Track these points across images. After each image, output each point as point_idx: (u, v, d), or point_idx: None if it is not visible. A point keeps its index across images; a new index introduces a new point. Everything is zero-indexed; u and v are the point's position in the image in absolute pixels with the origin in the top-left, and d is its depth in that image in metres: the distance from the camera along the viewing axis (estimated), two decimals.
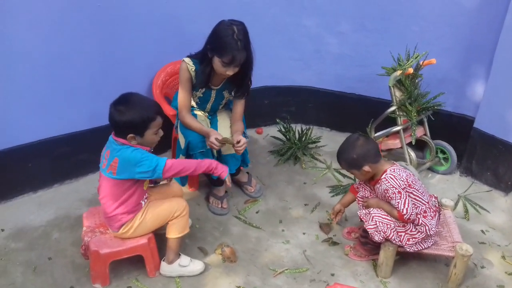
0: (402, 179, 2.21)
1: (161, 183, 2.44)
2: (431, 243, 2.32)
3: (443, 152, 3.25)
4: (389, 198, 2.22)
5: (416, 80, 3.09)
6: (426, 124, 3.19)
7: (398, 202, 2.19)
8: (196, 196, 2.96)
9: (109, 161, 2.09)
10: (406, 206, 2.18)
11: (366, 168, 2.22)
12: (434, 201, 2.40)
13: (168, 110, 2.90)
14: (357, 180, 3.09)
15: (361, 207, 2.43)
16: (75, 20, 2.65)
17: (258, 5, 3.29)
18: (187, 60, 2.55)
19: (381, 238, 2.26)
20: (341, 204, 2.56)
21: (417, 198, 2.25)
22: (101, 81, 2.86)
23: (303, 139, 3.44)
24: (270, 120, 3.75)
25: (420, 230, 2.26)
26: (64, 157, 2.93)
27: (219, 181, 2.83)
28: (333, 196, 3.01)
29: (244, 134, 2.73)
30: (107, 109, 2.07)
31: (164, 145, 3.26)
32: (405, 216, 2.19)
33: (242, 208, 2.88)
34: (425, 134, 3.20)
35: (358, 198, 2.45)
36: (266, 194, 3.02)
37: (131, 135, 2.04)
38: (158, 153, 3.30)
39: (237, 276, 2.38)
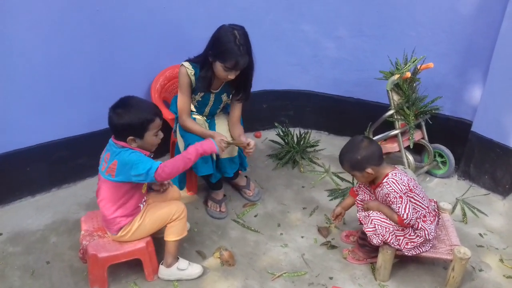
0: (403, 184, 2.21)
1: (159, 189, 2.43)
2: (429, 247, 2.33)
3: (441, 155, 3.26)
4: (390, 202, 2.22)
5: (414, 84, 3.10)
6: (424, 128, 3.20)
7: (398, 207, 2.19)
8: (195, 200, 2.96)
9: (109, 163, 2.09)
10: (407, 211, 2.18)
11: (369, 170, 2.21)
12: (434, 205, 2.40)
13: (166, 114, 2.90)
14: (355, 183, 3.11)
15: (360, 210, 2.43)
16: (74, 24, 2.66)
17: (256, 11, 3.30)
18: (186, 64, 2.56)
19: (379, 241, 2.26)
20: (341, 207, 2.56)
21: (418, 203, 2.25)
22: (100, 85, 2.87)
23: (302, 143, 3.45)
24: (268, 124, 3.75)
25: (419, 234, 2.26)
26: (62, 161, 2.93)
27: (218, 185, 2.83)
28: (331, 199, 3.01)
29: None
30: (106, 113, 2.07)
31: (163, 149, 3.26)
32: (405, 221, 2.19)
33: (241, 211, 2.88)
34: (423, 138, 3.21)
35: (358, 201, 2.45)
36: (265, 197, 3.02)
37: (131, 137, 2.05)
38: (157, 157, 3.30)
39: (235, 279, 2.37)
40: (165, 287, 2.31)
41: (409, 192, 2.22)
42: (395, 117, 3.07)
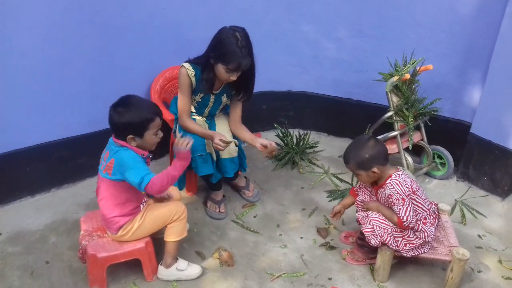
0: (407, 186, 2.21)
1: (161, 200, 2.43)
2: (428, 248, 2.33)
3: (440, 157, 3.27)
4: (392, 203, 2.22)
5: (413, 86, 3.10)
6: (423, 129, 3.20)
7: (400, 209, 2.19)
8: (194, 200, 2.97)
9: (106, 161, 2.11)
10: (407, 214, 2.18)
11: (375, 169, 2.20)
12: (434, 208, 2.41)
13: (166, 115, 2.91)
14: (356, 182, 3.11)
15: (360, 210, 2.43)
16: (74, 25, 2.67)
17: (256, 12, 3.31)
18: (187, 65, 2.56)
19: (378, 242, 2.26)
20: (341, 205, 2.56)
21: (419, 205, 2.25)
22: (100, 85, 2.87)
23: (301, 144, 3.45)
24: (268, 125, 3.76)
25: (419, 236, 2.26)
26: (62, 161, 2.94)
27: (217, 186, 2.83)
28: (330, 200, 3.01)
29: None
30: (106, 114, 2.08)
31: (163, 150, 3.27)
32: (404, 223, 2.19)
33: (240, 212, 2.89)
34: (422, 139, 3.21)
35: (358, 201, 2.45)
36: (264, 198, 3.03)
37: (130, 136, 2.06)
38: (157, 157, 3.32)
39: (234, 280, 2.38)
40: (164, 287, 2.32)
41: (412, 194, 2.22)
42: (394, 118, 3.07)
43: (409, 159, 3.10)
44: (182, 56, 2.65)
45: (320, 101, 3.68)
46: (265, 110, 3.72)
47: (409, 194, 2.20)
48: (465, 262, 2.24)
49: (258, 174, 3.26)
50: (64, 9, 2.60)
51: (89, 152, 2.57)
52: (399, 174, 2.24)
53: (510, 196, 3.06)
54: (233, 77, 2.48)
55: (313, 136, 3.66)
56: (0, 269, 2.37)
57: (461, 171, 3.23)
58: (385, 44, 3.27)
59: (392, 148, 3.13)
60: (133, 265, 2.31)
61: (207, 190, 2.94)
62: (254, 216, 2.86)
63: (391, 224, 2.26)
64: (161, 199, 2.42)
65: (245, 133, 2.75)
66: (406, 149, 3.12)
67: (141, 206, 2.25)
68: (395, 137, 3.08)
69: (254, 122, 3.65)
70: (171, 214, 2.23)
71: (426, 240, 2.27)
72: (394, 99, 3.07)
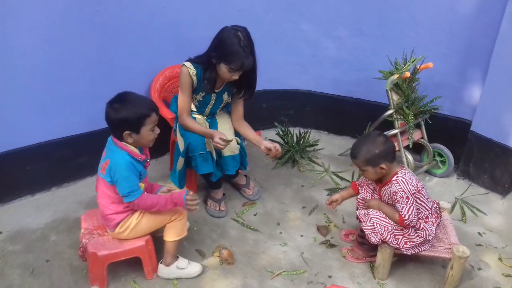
0: (412, 184, 2.21)
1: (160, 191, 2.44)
2: (429, 246, 2.33)
3: (440, 155, 3.27)
4: (396, 201, 2.22)
5: (413, 84, 3.10)
6: (423, 127, 3.20)
7: (403, 207, 2.19)
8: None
9: (103, 161, 2.13)
10: (409, 213, 2.18)
11: (383, 166, 2.20)
12: (436, 207, 2.41)
13: (166, 113, 2.91)
14: (359, 177, 3.12)
15: (361, 208, 2.43)
16: (74, 24, 2.67)
17: (256, 11, 3.31)
18: (188, 64, 2.56)
19: (378, 240, 2.26)
20: (340, 195, 2.54)
21: (422, 204, 2.26)
22: (100, 84, 2.88)
23: (301, 142, 3.46)
24: (268, 123, 3.76)
25: (419, 234, 2.26)
26: (63, 160, 2.94)
27: (217, 184, 2.84)
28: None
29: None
30: None
31: (163, 149, 3.27)
32: (405, 222, 2.20)
33: (240, 210, 2.89)
34: (422, 137, 3.21)
35: (359, 199, 2.46)
36: (264, 196, 3.03)
37: (127, 132, 2.06)
38: (157, 156, 3.33)
39: (234, 278, 2.38)
40: (165, 285, 2.32)
41: (417, 193, 2.23)
42: (395, 116, 3.07)
43: (410, 157, 3.10)
44: (182, 55, 2.65)
45: (320, 100, 3.68)
46: (265, 109, 3.72)
47: (414, 193, 2.21)
48: (465, 260, 2.24)
49: (258, 172, 3.27)
50: (64, 8, 2.60)
51: (89, 151, 2.57)
52: (405, 172, 2.24)
53: (510, 194, 3.07)
54: (235, 76, 2.49)
55: (313, 135, 3.67)
56: (0, 267, 2.38)
57: (461, 169, 3.23)
58: (385, 44, 3.27)
59: None
60: (133, 263, 2.31)
61: (207, 188, 2.94)
62: (254, 214, 2.87)
63: (392, 222, 2.26)
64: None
65: (249, 132, 2.76)
66: (407, 147, 3.12)
67: None
68: (395, 135, 3.07)
69: (255, 121, 3.62)
70: (170, 214, 2.23)
71: (427, 238, 2.27)
72: (395, 97, 3.07)
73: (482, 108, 3.02)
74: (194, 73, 2.56)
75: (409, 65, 2.99)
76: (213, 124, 2.80)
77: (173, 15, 3.03)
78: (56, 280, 2.32)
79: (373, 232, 2.27)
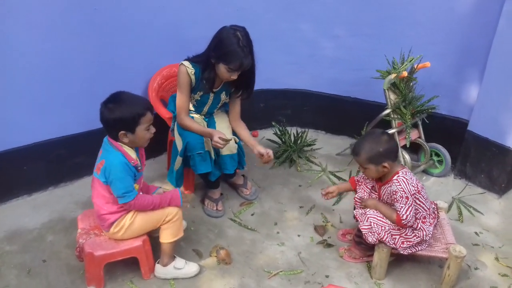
0: (413, 185, 2.21)
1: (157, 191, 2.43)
2: (425, 246, 2.33)
3: (437, 154, 3.27)
4: (395, 200, 2.22)
5: (411, 84, 3.11)
6: (420, 127, 3.21)
7: (401, 207, 2.19)
8: (192, 198, 2.97)
9: (98, 161, 2.13)
10: (408, 213, 2.19)
11: (386, 164, 2.20)
12: (434, 208, 2.41)
13: (164, 113, 2.91)
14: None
15: (358, 207, 2.43)
16: (72, 23, 2.66)
17: (254, 11, 3.30)
18: (186, 63, 2.56)
19: (375, 240, 2.27)
20: (337, 187, 2.55)
21: (421, 205, 2.26)
22: (98, 84, 2.87)
23: (299, 142, 3.46)
24: (265, 123, 3.76)
25: (417, 234, 2.27)
26: (60, 160, 2.93)
27: (215, 184, 2.84)
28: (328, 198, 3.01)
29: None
30: None
31: (160, 148, 3.27)
32: (403, 221, 2.20)
33: (237, 210, 2.89)
34: (419, 137, 3.22)
35: (356, 198, 2.46)
36: (262, 196, 3.03)
37: (122, 132, 2.06)
38: (155, 156, 3.33)
39: (232, 278, 2.38)
40: (162, 285, 2.32)
41: (417, 194, 2.23)
42: (392, 116, 3.08)
43: (407, 156, 3.10)
44: (180, 54, 2.65)
45: (318, 99, 3.68)
46: (263, 108, 3.72)
47: (414, 193, 2.21)
48: (462, 259, 2.24)
49: (255, 172, 3.27)
50: (62, 8, 2.60)
51: (87, 151, 2.57)
52: (406, 172, 2.24)
53: (507, 194, 3.08)
54: (234, 76, 2.49)
55: (311, 134, 3.67)
56: None
57: (458, 168, 3.24)
58: (383, 43, 3.27)
59: None
60: (130, 263, 2.30)
61: (204, 188, 2.94)
62: (252, 214, 2.86)
63: (389, 222, 2.27)
64: None
65: (245, 133, 2.76)
66: (404, 147, 3.12)
67: None
68: (392, 134, 3.08)
69: (252, 120, 3.64)
70: (164, 215, 2.22)
71: (424, 239, 2.28)
72: (392, 96, 3.07)
73: (479, 107, 3.03)
74: (193, 72, 2.56)
75: (406, 65, 2.99)
76: (211, 123, 2.80)
77: (171, 15, 3.03)
78: (53, 280, 2.31)
79: (370, 232, 2.27)
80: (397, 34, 3.22)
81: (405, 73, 2.93)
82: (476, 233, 2.74)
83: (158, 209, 2.21)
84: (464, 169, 3.20)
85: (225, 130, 2.72)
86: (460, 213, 2.89)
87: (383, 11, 3.21)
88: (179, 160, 2.65)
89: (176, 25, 3.08)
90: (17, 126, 2.71)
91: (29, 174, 2.85)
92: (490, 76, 2.91)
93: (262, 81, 3.27)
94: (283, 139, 3.48)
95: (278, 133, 3.51)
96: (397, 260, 2.45)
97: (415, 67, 3.04)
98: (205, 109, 2.77)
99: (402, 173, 2.23)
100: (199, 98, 2.70)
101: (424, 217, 2.28)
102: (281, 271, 2.43)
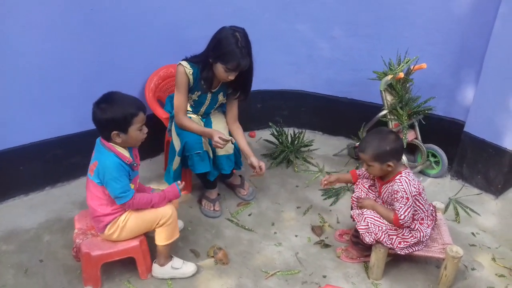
0: (415, 186, 2.21)
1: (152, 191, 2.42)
2: (422, 246, 2.34)
3: (434, 155, 3.28)
4: (395, 199, 2.22)
5: (407, 85, 3.12)
6: (417, 128, 3.21)
7: (400, 207, 2.20)
8: (189, 198, 2.96)
9: (91, 162, 2.12)
10: (406, 213, 2.19)
11: (390, 163, 2.20)
12: (432, 210, 2.41)
13: (161, 113, 2.91)
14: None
15: (355, 207, 2.44)
16: (71, 23, 2.66)
17: (252, 11, 3.31)
18: (184, 63, 2.56)
19: (372, 240, 2.27)
20: (336, 177, 2.54)
21: (420, 206, 2.27)
22: (94, 84, 2.86)
23: (296, 142, 3.46)
24: (263, 123, 3.76)
25: (414, 235, 2.27)
26: (56, 160, 2.93)
27: (212, 184, 2.83)
28: (325, 199, 3.02)
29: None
30: None
31: (157, 148, 3.26)
32: (400, 221, 2.20)
33: (235, 210, 2.89)
34: (416, 138, 3.22)
35: (353, 198, 2.46)
36: (259, 197, 3.03)
37: (115, 132, 2.05)
38: (151, 156, 3.32)
39: (229, 278, 2.38)
40: (159, 285, 2.31)
41: (417, 195, 2.23)
42: (389, 117, 3.09)
43: (403, 157, 3.10)
44: (177, 54, 2.65)
45: (315, 100, 3.69)
46: (260, 109, 3.72)
47: (415, 195, 2.21)
48: (459, 260, 2.25)
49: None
50: (61, 8, 2.60)
51: (84, 151, 2.56)
52: (408, 173, 2.25)
53: (504, 194, 3.09)
54: (231, 77, 2.49)
55: (308, 135, 3.67)
56: None
57: (455, 169, 3.25)
58: (380, 44, 3.28)
59: None
60: (127, 263, 2.30)
61: (202, 188, 2.94)
62: (249, 215, 2.87)
63: (386, 222, 2.27)
64: None
65: (241, 139, 2.77)
66: None
67: None
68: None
69: (249, 121, 3.65)
70: (157, 218, 2.20)
71: (421, 240, 2.28)
72: (388, 97, 3.08)
73: (476, 108, 3.04)
74: (191, 72, 2.56)
75: (403, 66, 3.00)
76: (207, 124, 2.80)
77: (170, 15, 3.03)
78: (50, 280, 2.31)
79: (368, 232, 2.27)
80: (395, 35, 3.23)
81: (401, 74, 2.94)
82: (473, 233, 2.75)
83: (157, 206, 2.20)
84: (461, 170, 3.21)
85: (222, 130, 2.72)
86: (457, 214, 2.90)
87: (381, 12, 3.22)
88: (177, 160, 2.65)
89: (176, 25, 3.08)
90: (14, 126, 2.71)
91: (26, 174, 2.84)
92: (486, 77, 2.92)
93: (260, 81, 3.28)
94: (280, 140, 3.48)
95: (275, 133, 3.52)
96: (394, 260, 2.46)
97: (412, 68, 3.05)
98: (202, 109, 2.78)
99: (405, 173, 2.23)
100: (196, 98, 2.70)
101: (422, 219, 2.29)
102: (278, 271, 2.43)
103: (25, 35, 2.54)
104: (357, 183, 2.49)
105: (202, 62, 2.54)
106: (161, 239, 2.25)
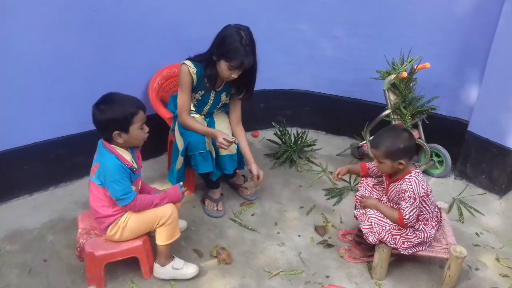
0: (423, 187, 2.20)
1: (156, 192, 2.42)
2: (426, 246, 2.33)
3: (437, 155, 3.27)
4: (402, 198, 2.21)
5: (411, 84, 3.11)
6: (420, 127, 3.21)
7: (407, 207, 2.19)
8: (192, 198, 2.97)
9: (93, 163, 2.13)
10: (411, 214, 2.19)
11: (402, 161, 2.18)
12: (437, 211, 2.40)
13: (164, 113, 2.91)
14: (352, 181, 3.12)
15: (358, 206, 2.43)
16: (72, 23, 2.67)
17: (253, 11, 3.31)
18: (188, 62, 2.56)
19: (375, 240, 2.27)
20: (347, 168, 2.52)
21: (426, 207, 2.26)
22: (97, 84, 2.86)
23: (299, 142, 3.46)
24: (266, 123, 3.77)
25: (418, 235, 2.27)
26: (60, 160, 2.93)
27: (215, 184, 2.84)
28: (328, 199, 3.02)
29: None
30: None
31: (160, 148, 3.27)
32: (404, 221, 2.20)
33: (238, 210, 2.89)
34: (419, 138, 3.21)
35: (357, 196, 2.46)
36: (262, 196, 3.03)
37: (116, 132, 2.05)
38: (154, 156, 3.33)
39: (232, 278, 2.38)
40: (162, 285, 2.31)
41: (425, 197, 2.22)
42: (392, 116, 3.08)
43: None
44: (180, 54, 2.65)
45: (317, 100, 3.69)
46: (263, 109, 3.72)
47: (422, 196, 2.20)
48: (463, 260, 2.24)
49: None
50: (62, 8, 2.60)
51: (86, 151, 2.56)
52: (418, 173, 2.24)
53: (508, 194, 3.08)
54: (235, 75, 2.49)
55: (311, 135, 3.67)
56: None
57: (458, 169, 3.24)
58: (382, 43, 3.28)
59: None
60: (130, 263, 2.30)
61: (205, 188, 2.94)
62: (252, 214, 2.86)
63: (389, 222, 2.27)
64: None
65: (243, 143, 2.78)
66: None
67: None
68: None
69: (253, 121, 3.66)
70: (157, 218, 2.19)
71: (424, 240, 2.28)
72: (392, 97, 3.07)
73: (479, 108, 3.03)
74: (194, 72, 2.56)
75: (406, 65, 3.00)
76: (211, 123, 2.80)
77: (171, 15, 3.03)
78: (54, 280, 2.31)
79: (371, 232, 2.27)
80: (397, 34, 3.22)
81: (404, 74, 2.93)
82: (476, 233, 2.74)
83: (159, 207, 2.20)
84: (465, 169, 3.20)
85: (224, 130, 2.72)
86: (461, 214, 2.89)
87: (383, 11, 3.22)
88: (180, 159, 2.65)
89: (176, 25, 3.08)
90: (17, 126, 2.71)
91: (29, 174, 2.84)
92: (490, 77, 2.92)
93: (263, 81, 3.28)
94: (283, 140, 3.48)
95: (279, 133, 3.52)
96: (398, 260, 2.45)
97: (415, 68, 3.04)
98: (206, 109, 2.78)
99: (415, 173, 2.22)
100: (200, 98, 2.70)
101: (427, 220, 2.28)
102: (281, 271, 2.43)
103: (28, 35, 2.54)
104: (361, 181, 2.48)
105: (206, 60, 2.54)
106: (162, 238, 2.24)
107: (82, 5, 2.66)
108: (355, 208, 2.48)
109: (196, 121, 2.65)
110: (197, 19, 3.12)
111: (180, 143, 2.67)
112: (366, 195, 2.42)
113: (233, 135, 2.78)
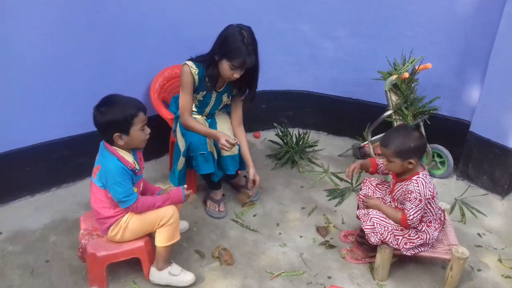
0: (430, 189, 2.20)
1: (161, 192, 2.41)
2: (428, 247, 2.33)
3: (439, 156, 3.27)
4: (407, 199, 2.21)
5: (412, 85, 3.10)
6: (422, 128, 3.19)
7: (411, 208, 2.18)
8: (194, 199, 2.97)
9: (95, 165, 2.13)
10: (415, 215, 2.18)
11: (412, 161, 2.17)
12: (441, 214, 2.40)
13: (165, 114, 2.91)
14: (354, 181, 3.12)
15: (361, 205, 2.43)
16: (73, 24, 2.67)
17: (255, 12, 3.31)
18: (190, 63, 2.57)
19: (377, 240, 2.26)
20: (359, 163, 2.49)
21: (431, 209, 2.26)
22: (99, 85, 2.87)
23: (300, 143, 3.46)
24: (267, 124, 3.77)
25: (420, 236, 2.26)
26: (62, 161, 2.94)
27: (217, 185, 2.84)
28: (330, 199, 3.02)
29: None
30: None
31: (162, 149, 3.27)
32: (408, 221, 2.20)
33: (240, 211, 2.89)
34: None
35: (360, 195, 2.46)
36: (263, 197, 3.03)
37: (117, 134, 2.05)
38: (156, 157, 3.33)
39: (234, 279, 2.38)
40: (164, 286, 2.31)
41: (431, 199, 2.22)
42: (394, 117, 3.08)
43: None
44: (181, 55, 2.65)
45: (319, 100, 3.68)
46: (264, 110, 3.72)
47: (428, 198, 2.20)
48: (465, 261, 2.24)
49: (258, 173, 3.23)
50: (63, 9, 2.60)
51: (89, 152, 2.57)
52: (426, 175, 2.23)
53: (510, 195, 3.07)
54: (237, 75, 2.49)
55: (313, 135, 3.67)
56: (0, 268, 2.38)
57: (460, 169, 3.24)
58: (383, 44, 3.28)
59: None
60: (132, 264, 2.30)
61: (206, 189, 2.94)
62: (254, 215, 2.87)
63: (392, 222, 2.26)
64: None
65: (243, 147, 2.77)
66: None
67: None
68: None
69: (254, 122, 3.66)
70: (158, 219, 2.18)
71: (427, 242, 2.28)
72: (393, 98, 3.07)
73: (481, 108, 3.02)
74: (196, 72, 2.57)
75: (407, 66, 2.99)
76: (212, 124, 2.80)
77: (172, 16, 3.03)
78: (56, 280, 2.32)
79: (373, 232, 2.27)
80: (398, 34, 3.22)
81: (406, 74, 2.93)
82: (479, 234, 2.74)
83: (161, 208, 2.20)
84: (467, 170, 3.20)
85: (226, 131, 2.72)
86: (463, 215, 2.88)
87: (384, 12, 3.22)
88: (182, 160, 2.66)
89: (177, 26, 3.08)
90: (19, 127, 2.72)
91: (32, 175, 2.85)
92: (491, 77, 2.91)
93: (264, 82, 3.28)
94: (285, 140, 3.48)
95: (280, 134, 3.52)
96: (400, 261, 2.45)
97: (417, 68, 3.04)
98: (207, 110, 2.78)
99: (423, 175, 2.22)
100: (201, 99, 2.71)
101: (430, 221, 2.28)
102: (283, 272, 2.43)
103: (28, 35, 2.55)
104: (364, 180, 2.48)
105: (208, 60, 2.54)
106: (162, 240, 2.22)
107: (83, 6, 2.66)
108: (358, 208, 2.48)
109: (198, 122, 2.66)
110: (197, 19, 3.12)
111: (181, 144, 2.68)
112: (370, 194, 2.42)
113: (234, 135, 2.78)
